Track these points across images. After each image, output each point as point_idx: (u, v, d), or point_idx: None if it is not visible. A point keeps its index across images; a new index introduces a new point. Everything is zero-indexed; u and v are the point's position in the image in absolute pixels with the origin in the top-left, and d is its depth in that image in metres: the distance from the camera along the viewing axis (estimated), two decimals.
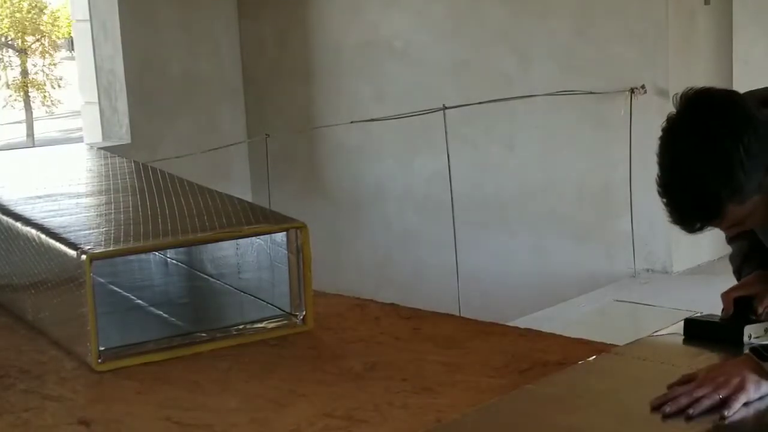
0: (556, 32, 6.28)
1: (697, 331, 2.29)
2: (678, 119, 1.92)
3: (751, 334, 2.18)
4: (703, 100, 1.92)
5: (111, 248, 2.56)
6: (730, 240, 2.33)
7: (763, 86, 2.07)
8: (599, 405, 1.99)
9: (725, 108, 1.90)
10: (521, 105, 6.29)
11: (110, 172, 3.50)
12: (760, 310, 2.21)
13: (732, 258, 2.36)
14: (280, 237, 2.76)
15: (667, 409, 1.84)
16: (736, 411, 1.82)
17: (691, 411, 1.82)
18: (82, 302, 2.46)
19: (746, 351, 1.94)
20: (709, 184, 1.85)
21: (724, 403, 1.83)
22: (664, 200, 1.92)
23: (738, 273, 2.34)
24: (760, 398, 1.85)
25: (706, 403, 1.83)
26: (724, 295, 2.27)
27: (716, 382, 1.86)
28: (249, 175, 7.87)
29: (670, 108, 1.95)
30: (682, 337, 2.29)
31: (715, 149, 1.85)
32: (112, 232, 2.67)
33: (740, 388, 1.84)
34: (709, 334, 2.27)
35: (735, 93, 1.96)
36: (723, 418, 1.81)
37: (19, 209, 3.01)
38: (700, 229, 1.93)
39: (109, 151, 4.22)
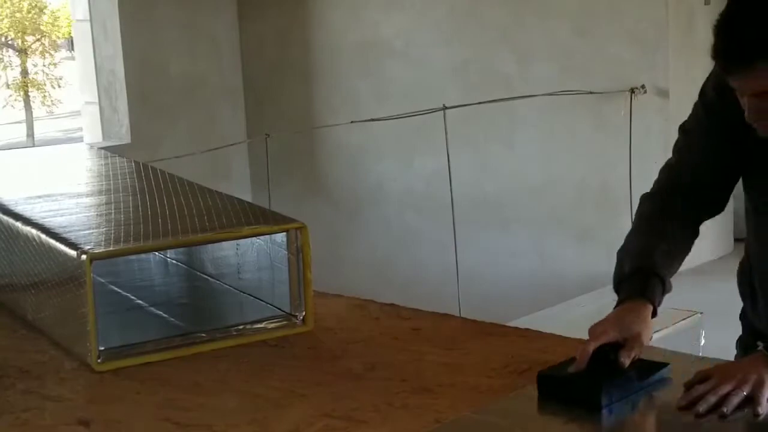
0: (556, 32, 6.28)
1: (551, 388, 2.00)
2: None
3: (611, 393, 1.93)
4: None
5: (111, 248, 2.56)
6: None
7: None
8: None
9: None
10: (521, 105, 6.29)
11: (110, 172, 3.49)
12: (626, 362, 1.98)
13: (618, 253, 2.23)
14: (280, 237, 2.76)
15: (700, 408, 1.81)
16: (766, 407, 1.80)
17: (724, 409, 1.80)
18: (82, 302, 2.45)
19: (759, 348, 1.89)
20: None
21: (749, 400, 1.81)
22: (723, 29, 1.97)
23: (617, 288, 2.19)
24: None
25: (735, 401, 1.81)
26: (582, 348, 2.02)
27: (736, 379, 1.83)
28: (249, 175, 7.87)
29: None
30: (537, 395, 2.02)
31: None
32: (113, 232, 2.66)
33: (760, 384, 1.81)
34: (564, 392, 1.98)
35: None
36: (757, 415, 1.79)
37: (19, 209, 3.00)
38: (740, 65, 1.96)
39: (109, 150, 4.21)
